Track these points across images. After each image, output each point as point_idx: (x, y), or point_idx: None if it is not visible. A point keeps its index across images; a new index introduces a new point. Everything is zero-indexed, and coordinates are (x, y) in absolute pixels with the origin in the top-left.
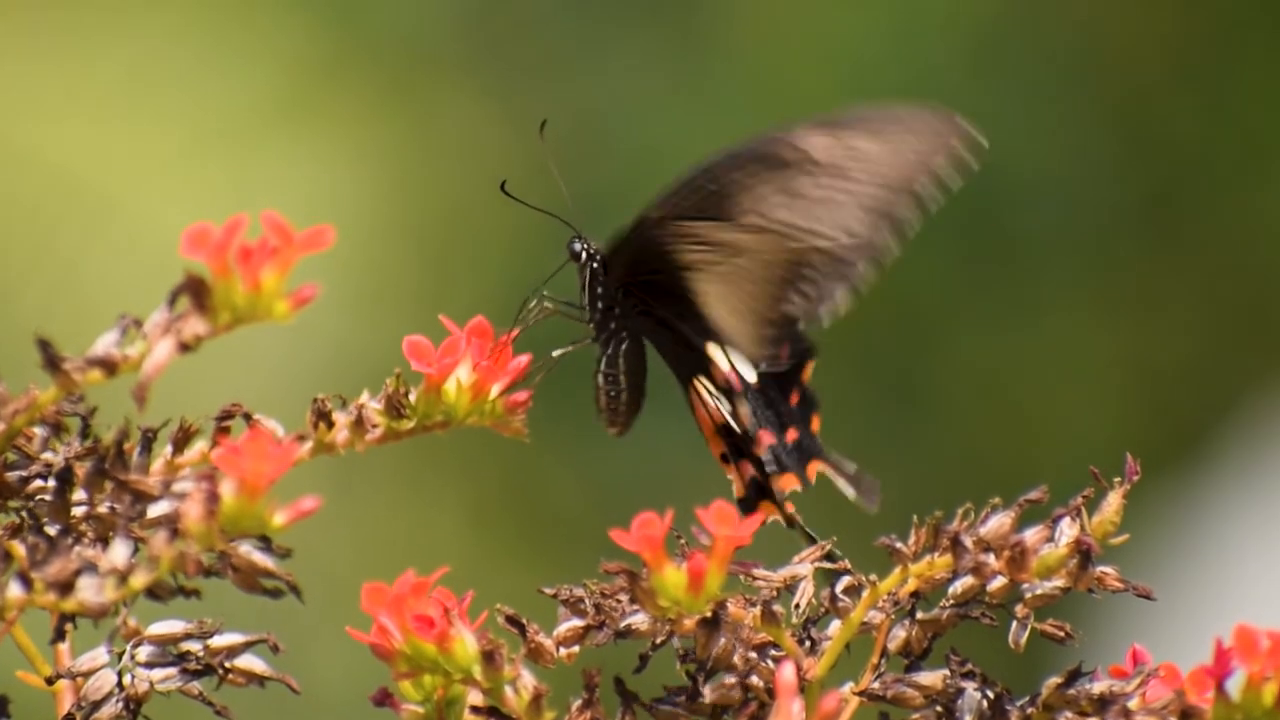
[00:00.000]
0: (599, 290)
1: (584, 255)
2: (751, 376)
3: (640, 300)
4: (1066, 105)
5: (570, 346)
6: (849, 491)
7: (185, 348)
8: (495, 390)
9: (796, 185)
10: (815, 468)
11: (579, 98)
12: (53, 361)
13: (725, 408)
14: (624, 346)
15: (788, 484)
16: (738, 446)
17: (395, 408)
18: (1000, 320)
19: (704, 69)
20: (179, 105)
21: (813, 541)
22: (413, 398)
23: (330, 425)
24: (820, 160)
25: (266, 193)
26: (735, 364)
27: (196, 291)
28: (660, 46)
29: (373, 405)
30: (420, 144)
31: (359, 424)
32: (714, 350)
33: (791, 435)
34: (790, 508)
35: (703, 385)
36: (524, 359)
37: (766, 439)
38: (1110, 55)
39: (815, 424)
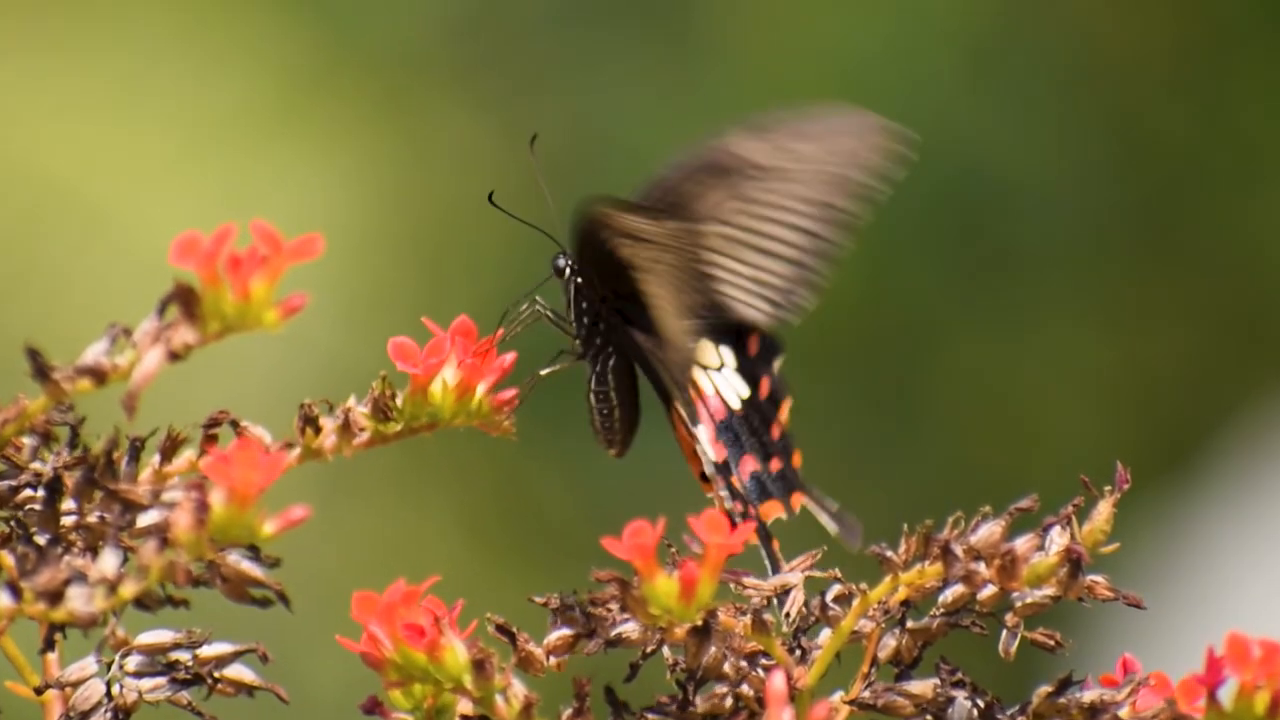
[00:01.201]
0: (583, 305)
1: (567, 271)
2: (736, 403)
3: (621, 313)
4: (1062, 113)
5: (556, 365)
6: (831, 528)
7: (174, 356)
8: (481, 389)
9: (744, 190)
10: (799, 499)
11: (573, 107)
12: (42, 370)
13: (697, 432)
14: (611, 363)
15: (771, 511)
16: (715, 469)
17: (382, 410)
18: (995, 328)
19: (699, 77)
20: (171, 113)
21: (776, 568)
22: (399, 400)
23: (317, 430)
24: (762, 164)
25: (259, 202)
26: (720, 388)
27: (186, 300)
28: (655, 55)
29: (359, 409)
30: (413, 153)
31: (346, 428)
32: (698, 374)
33: (775, 465)
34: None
35: (680, 406)
36: (510, 356)
37: (751, 464)
38: (1106, 64)
39: (796, 460)
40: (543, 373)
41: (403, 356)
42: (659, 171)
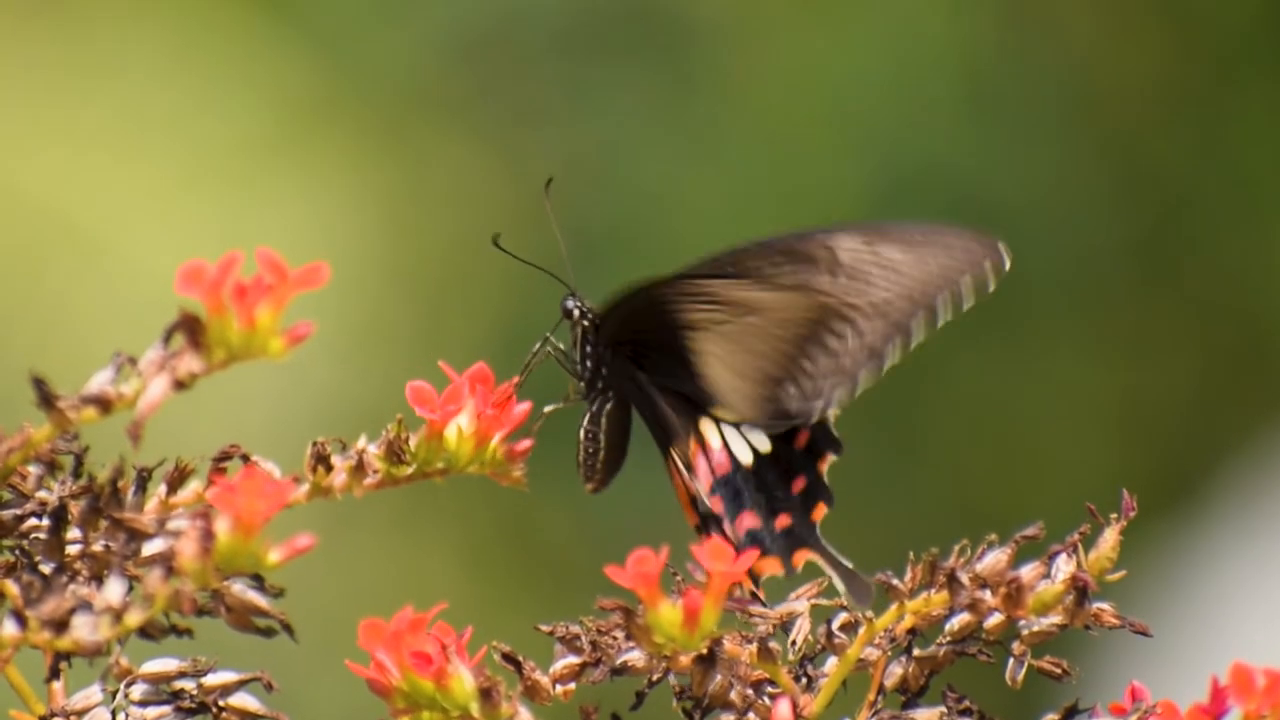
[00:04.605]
0: (588, 349)
1: (576, 313)
2: (746, 457)
3: (628, 363)
4: (1062, 142)
5: (561, 403)
6: (840, 586)
7: (180, 385)
8: (496, 439)
9: (818, 283)
10: (803, 556)
11: (572, 140)
12: (47, 399)
13: (692, 483)
14: (608, 407)
15: (768, 568)
16: (707, 519)
17: (395, 453)
18: (996, 357)
19: (698, 110)
20: (170, 143)
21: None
22: (413, 443)
23: (329, 469)
24: (844, 263)
25: (258, 233)
26: (729, 442)
27: (191, 328)
28: (654, 88)
29: (372, 450)
30: (413, 185)
31: (358, 469)
32: (706, 426)
33: (783, 521)
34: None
35: (678, 456)
36: (525, 406)
37: (749, 521)
38: (1104, 93)
39: (818, 514)
40: (547, 409)
41: (421, 401)
42: (742, 243)
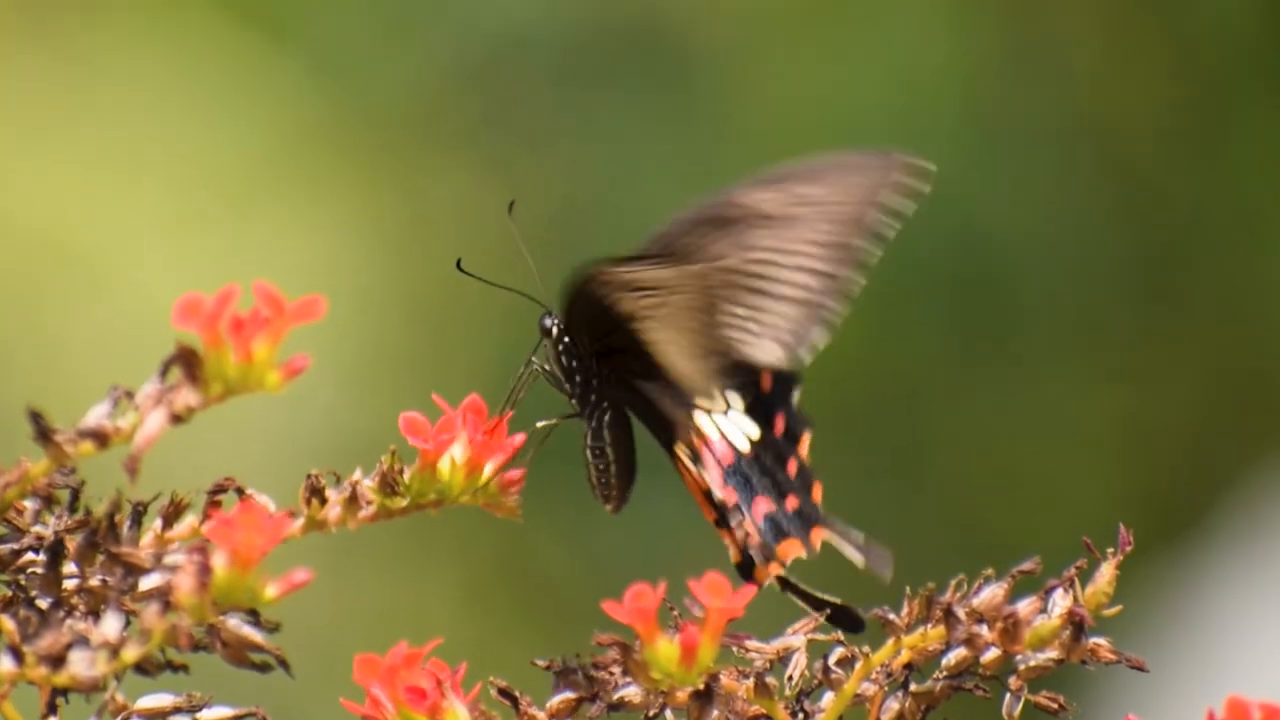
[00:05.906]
0: (574, 364)
1: (554, 331)
2: (744, 445)
3: (615, 367)
4: (1062, 170)
5: (555, 420)
6: (857, 559)
7: (177, 419)
8: (489, 468)
9: (749, 239)
10: (819, 535)
11: (575, 166)
12: (44, 433)
13: (704, 474)
14: (606, 418)
15: (790, 550)
16: (724, 512)
17: (389, 485)
18: (996, 386)
19: (699, 134)
20: (171, 171)
21: (814, 603)
22: (406, 475)
23: (323, 501)
24: (769, 213)
25: (258, 262)
26: (725, 432)
27: (188, 362)
28: (657, 115)
29: (366, 483)
30: (416, 213)
31: (352, 501)
32: (702, 420)
33: (792, 503)
34: (781, 571)
35: (683, 452)
36: (519, 437)
37: (764, 505)
38: (1105, 117)
39: (816, 493)
40: (540, 424)
41: (413, 431)
42: (660, 226)
